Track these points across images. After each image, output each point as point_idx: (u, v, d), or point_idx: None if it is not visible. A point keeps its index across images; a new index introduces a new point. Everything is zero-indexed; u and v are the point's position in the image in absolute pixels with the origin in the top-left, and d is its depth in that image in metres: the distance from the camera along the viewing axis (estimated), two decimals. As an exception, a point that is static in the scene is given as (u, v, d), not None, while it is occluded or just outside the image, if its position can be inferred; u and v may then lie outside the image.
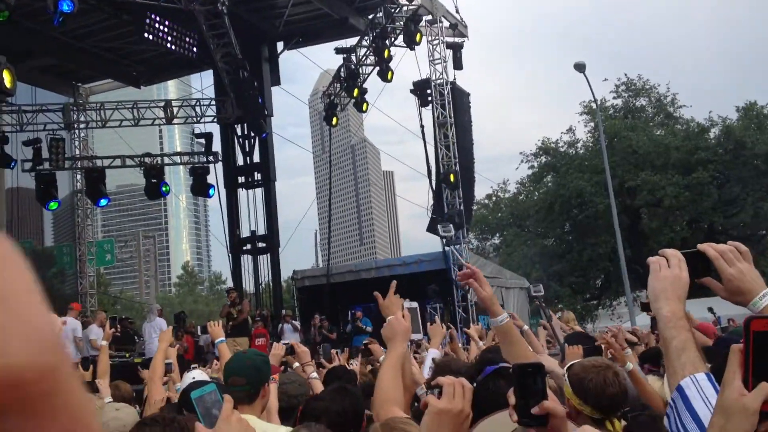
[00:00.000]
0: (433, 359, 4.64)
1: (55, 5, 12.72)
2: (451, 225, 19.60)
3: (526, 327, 7.49)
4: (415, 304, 3.25)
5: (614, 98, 36.33)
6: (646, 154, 32.18)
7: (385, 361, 2.88)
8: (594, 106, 30.80)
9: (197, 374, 5.25)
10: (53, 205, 20.84)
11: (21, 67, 15.46)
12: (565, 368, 3.21)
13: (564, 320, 9.59)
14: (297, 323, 18.00)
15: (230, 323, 15.78)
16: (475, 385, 2.54)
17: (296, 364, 5.43)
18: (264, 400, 3.46)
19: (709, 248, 1.87)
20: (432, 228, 21.20)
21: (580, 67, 23.58)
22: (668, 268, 1.84)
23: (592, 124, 34.44)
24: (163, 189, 21.23)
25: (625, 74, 36.54)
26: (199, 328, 17.00)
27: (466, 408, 1.97)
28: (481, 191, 41.51)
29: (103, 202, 21.58)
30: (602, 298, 37.41)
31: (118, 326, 16.16)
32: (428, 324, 5.72)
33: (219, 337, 5.70)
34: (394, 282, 3.20)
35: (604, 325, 33.13)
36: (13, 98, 17.06)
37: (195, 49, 16.99)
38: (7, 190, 23.34)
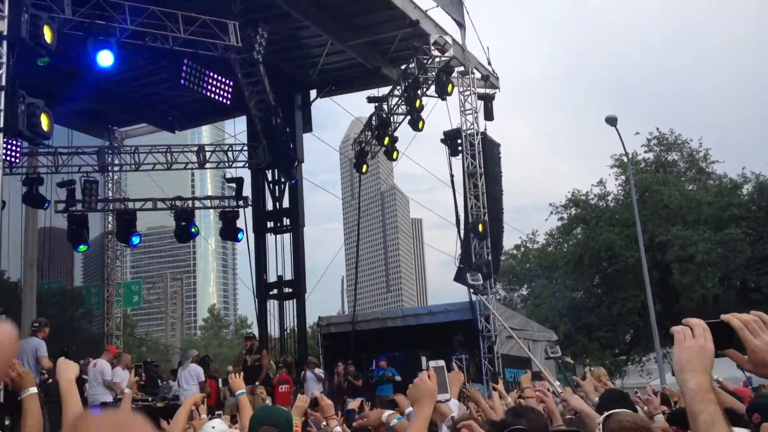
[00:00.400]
0: (452, 417, 4.53)
1: (95, 62, 13.16)
2: (480, 274, 19.47)
3: (557, 383, 7.32)
4: (441, 363, 3.16)
5: (645, 152, 36.10)
6: (677, 208, 31.85)
7: (412, 424, 2.82)
8: (625, 159, 30.66)
9: (217, 423, 5.19)
10: (82, 248, 21.18)
11: (59, 110, 15.77)
12: (603, 417, 3.13)
13: (595, 376, 9.38)
14: (320, 371, 17.83)
15: (244, 371, 15.62)
16: None
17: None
18: None
19: (733, 318, 1.85)
20: (459, 277, 21.06)
21: (611, 121, 23.53)
22: (693, 339, 1.82)
23: (623, 177, 34.21)
24: (193, 230, 21.48)
25: (657, 128, 36.34)
26: (220, 380, 16.93)
27: None
28: (509, 241, 41.31)
29: (135, 239, 21.79)
30: (631, 353, 36.74)
31: (143, 374, 16.18)
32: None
33: (239, 390, 5.62)
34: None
35: (634, 382, 32.56)
36: (49, 140, 17.46)
37: (229, 95, 17.28)
38: (40, 229, 23.69)
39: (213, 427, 4.89)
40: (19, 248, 22.33)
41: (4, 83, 10.14)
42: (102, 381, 13.22)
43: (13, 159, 19.09)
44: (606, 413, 3.19)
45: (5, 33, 10.25)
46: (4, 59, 10.19)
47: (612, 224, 33.21)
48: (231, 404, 14.57)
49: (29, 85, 11.54)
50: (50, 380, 12.18)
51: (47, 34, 10.92)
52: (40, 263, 24.11)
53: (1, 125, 10.14)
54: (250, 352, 16.33)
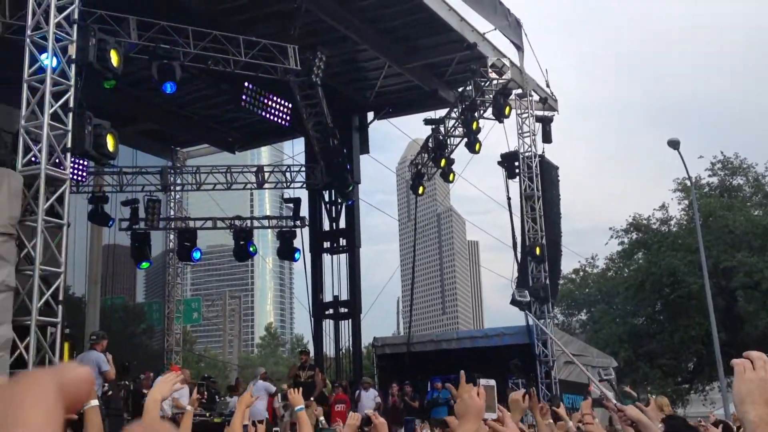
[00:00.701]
0: None
1: (159, 86, 13.57)
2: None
3: (613, 402, 7.03)
4: (492, 382, 3.13)
5: (710, 176, 35.25)
6: (743, 234, 30.98)
7: None
8: (688, 183, 30.00)
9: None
10: (145, 264, 21.67)
11: (124, 131, 16.25)
12: None
13: (658, 405, 9.13)
14: (376, 394, 17.76)
15: (296, 387, 15.44)
16: None
17: None
18: None
19: None
20: (516, 301, 20.85)
21: (674, 144, 23.07)
22: (753, 371, 1.81)
23: (686, 201, 33.48)
24: (251, 249, 21.79)
25: (722, 152, 35.54)
26: (279, 395, 17.06)
27: None
28: (568, 265, 40.73)
29: (196, 254, 22.17)
30: (694, 382, 35.75)
31: (205, 392, 16.41)
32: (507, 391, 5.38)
33: (298, 405, 5.69)
34: (462, 372, 3.12)
35: (697, 411, 31.63)
36: (115, 160, 17.96)
37: (288, 117, 17.55)
38: (104, 246, 24.33)
39: None
40: (84, 265, 22.95)
41: (72, 105, 10.48)
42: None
43: (79, 178, 19.68)
44: None
45: (74, 57, 10.61)
46: (72, 82, 10.53)
47: (675, 249, 32.45)
48: (287, 421, 14.66)
49: (95, 107, 11.92)
50: (110, 392, 12.46)
51: (114, 58, 11.29)
52: (104, 280, 24.73)
53: (69, 146, 10.46)
54: (303, 368, 16.37)
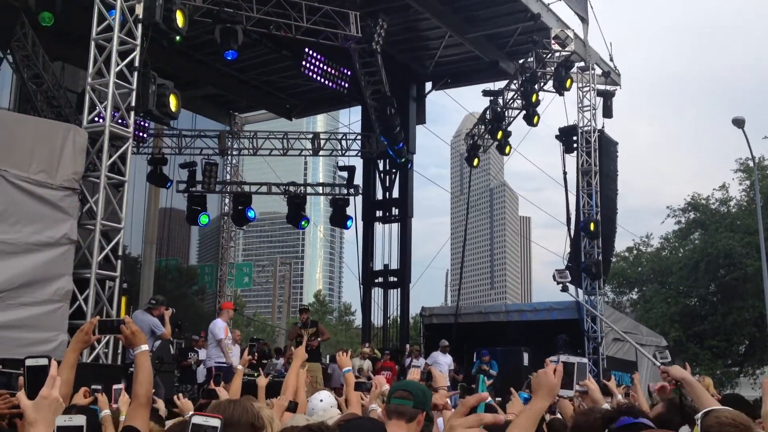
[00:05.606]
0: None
1: (221, 50, 13.80)
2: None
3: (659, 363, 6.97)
4: (573, 360, 2.95)
5: (774, 157, 34.34)
6: (805, 216, 30.23)
7: (522, 412, 2.69)
8: (751, 163, 29.25)
9: (325, 396, 5.33)
10: (204, 218, 21.78)
11: (185, 94, 16.44)
12: (702, 413, 2.97)
13: (704, 386, 9.03)
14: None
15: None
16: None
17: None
18: (417, 428, 3.37)
19: None
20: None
21: (739, 123, 22.49)
22: None
23: (748, 182, 32.70)
24: (302, 224, 21.97)
25: (787, 132, 34.47)
26: (327, 356, 17.22)
27: None
28: (621, 243, 40.16)
29: (251, 213, 22.27)
30: (744, 365, 35.17)
31: (256, 353, 16.65)
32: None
33: (346, 367, 5.83)
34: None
35: (746, 395, 31.01)
36: (175, 123, 18.25)
37: (346, 84, 17.53)
38: (161, 209, 24.79)
39: (321, 400, 5.04)
40: (141, 226, 23.44)
41: (137, 64, 10.67)
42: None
43: (140, 139, 20.04)
44: (706, 409, 3.02)
45: (140, 16, 10.78)
46: (139, 41, 10.71)
47: (733, 230, 31.80)
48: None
49: (158, 69, 12.09)
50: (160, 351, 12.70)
51: (179, 19, 11.42)
52: (159, 241, 25.23)
53: (134, 104, 10.67)
54: (305, 326, 15.45)
